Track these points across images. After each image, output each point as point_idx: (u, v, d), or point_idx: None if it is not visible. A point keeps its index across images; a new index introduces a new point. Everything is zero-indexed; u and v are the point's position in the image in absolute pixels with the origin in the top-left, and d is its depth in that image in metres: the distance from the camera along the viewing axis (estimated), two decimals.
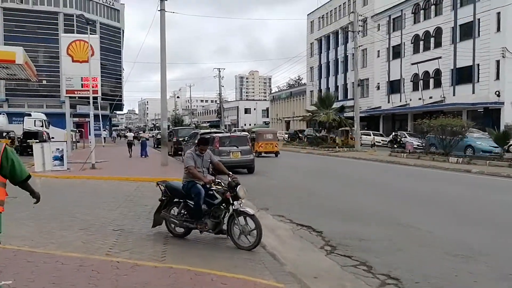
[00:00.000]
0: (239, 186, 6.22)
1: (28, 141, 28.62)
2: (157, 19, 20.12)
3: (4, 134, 31.05)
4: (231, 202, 6.19)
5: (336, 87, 56.81)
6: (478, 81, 36.21)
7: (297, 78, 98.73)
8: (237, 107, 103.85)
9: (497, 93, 34.31)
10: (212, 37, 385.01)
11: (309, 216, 8.86)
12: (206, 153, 6.90)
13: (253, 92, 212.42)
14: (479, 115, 34.87)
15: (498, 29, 34.41)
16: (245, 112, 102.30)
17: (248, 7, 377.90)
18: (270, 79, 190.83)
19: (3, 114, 47.05)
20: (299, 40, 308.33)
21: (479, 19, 35.93)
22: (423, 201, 10.92)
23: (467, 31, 37.26)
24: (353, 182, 15.02)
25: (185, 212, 6.71)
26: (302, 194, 11.98)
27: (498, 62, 34.45)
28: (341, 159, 25.09)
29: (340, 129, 34.26)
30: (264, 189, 12.95)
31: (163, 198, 6.93)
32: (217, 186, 6.53)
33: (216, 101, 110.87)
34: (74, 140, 38.47)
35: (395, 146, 31.06)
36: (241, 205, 6.21)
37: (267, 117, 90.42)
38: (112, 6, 72.14)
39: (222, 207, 6.39)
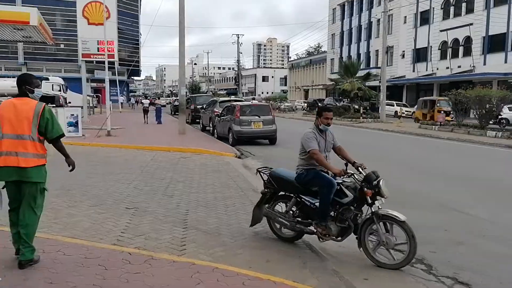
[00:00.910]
0: (381, 180, 4.58)
1: None
2: None
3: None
4: (370, 201, 4.54)
5: (359, 55, 54.60)
6: (511, 49, 33.98)
7: (317, 45, 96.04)
8: (255, 75, 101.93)
9: None
10: (227, 2, 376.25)
11: None
12: (329, 133, 5.10)
13: (270, 60, 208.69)
14: (510, 86, 32.83)
15: None
16: (263, 80, 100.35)
17: None
18: (288, 47, 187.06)
19: None
20: (318, 6, 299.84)
21: None
22: (467, 181, 9.81)
23: None
24: (385, 157, 13.76)
25: (297, 211, 5.15)
26: None
27: None
28: (367, 131, 23.66)
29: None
30: (292, 162, 11.93)
31: (266, 190, 5.38)
32: (344, 179, 4.79)
33: (233, 68, 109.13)
34: (91, 105, 37.88)
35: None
36: (379, 207, 4.58)
37: (285, 85, 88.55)
38: None
39: (352, 207, 4.73)
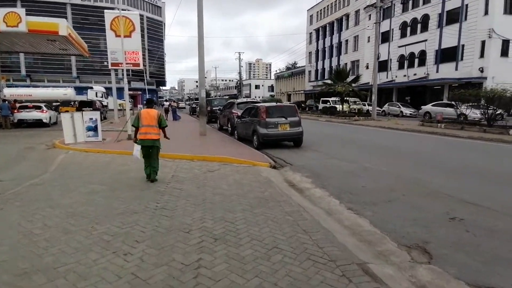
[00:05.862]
0: None
1: (82, 109, 22.61)
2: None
3: (72, 102, 27.96)
4: None
5: (331, 68, 48.92)
6: (462, 59, 28.81)
7: (294, 62, 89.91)
8: (250, 84, 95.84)
9: (480, 69, 27.08)
10: (219, 32, 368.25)
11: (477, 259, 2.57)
12: None
13: (258, 74, 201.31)
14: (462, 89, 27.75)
15: (486, 13, 26.62)
16: (255, 88, 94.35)
17: (242, 10, 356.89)
18: (270, 64, 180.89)
19: (72, 88, 41.76)
20: (287, 34, 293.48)
21: (467, 5, 27.95)
22: None
23: (454, 16, 29.30)
24: (435, 163, 7.64)
25: None
26: (409, 191, 5.44)
27: (483, 42, 26.95)
28: (370, 129, 16.79)
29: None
30: (351, 179, 6.30)
31: None
32: None
33: (233, 80, 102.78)
34: (124, 108, 31.98)
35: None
36: None
37: (272, 91, 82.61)
38: (155, 4, 62.91)
39: None
